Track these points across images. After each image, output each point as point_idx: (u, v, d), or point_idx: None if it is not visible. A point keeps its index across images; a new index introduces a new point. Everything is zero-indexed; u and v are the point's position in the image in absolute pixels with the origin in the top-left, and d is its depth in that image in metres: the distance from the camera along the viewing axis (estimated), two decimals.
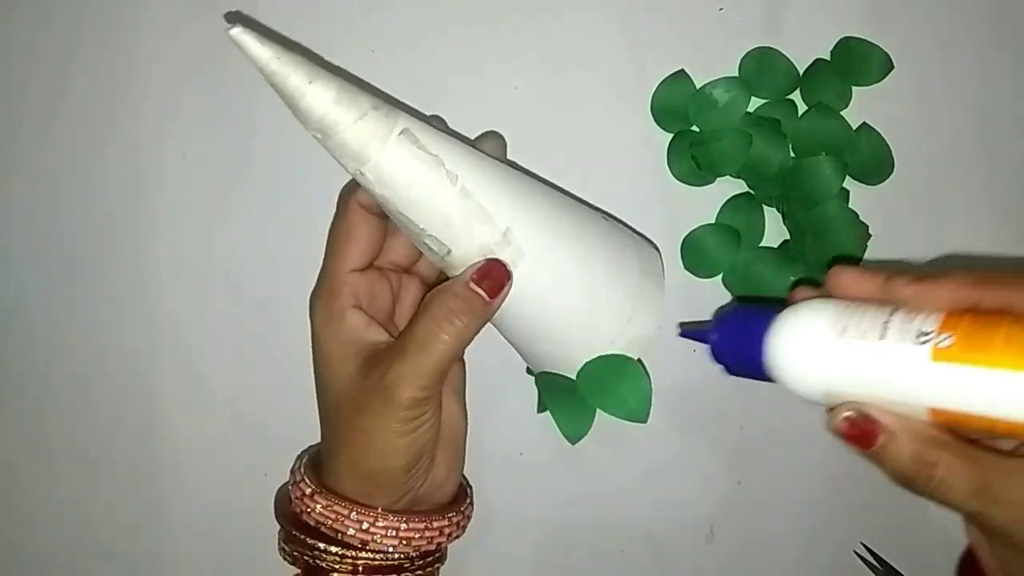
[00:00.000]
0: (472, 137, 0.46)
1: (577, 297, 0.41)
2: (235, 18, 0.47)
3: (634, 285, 0.42)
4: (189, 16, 0.49)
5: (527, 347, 0.44)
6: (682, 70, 0.48)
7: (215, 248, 0.49)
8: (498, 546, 0.49)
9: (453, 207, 0.37)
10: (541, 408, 0.47)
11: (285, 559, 0.42)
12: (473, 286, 0.37)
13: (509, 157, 0.45)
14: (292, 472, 0.42)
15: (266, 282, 0.49)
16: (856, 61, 0.48)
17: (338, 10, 0.49)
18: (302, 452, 0.44)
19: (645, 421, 0.43)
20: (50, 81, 0.49)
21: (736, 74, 0.48)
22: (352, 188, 0.41)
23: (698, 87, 0.48)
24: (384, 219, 0.41)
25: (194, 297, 0.50)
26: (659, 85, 0.48)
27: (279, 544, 0.42)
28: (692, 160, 0.48)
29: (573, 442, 0.45)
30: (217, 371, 0.50)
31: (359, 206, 0.40)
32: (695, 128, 0.48)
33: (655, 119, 0.49)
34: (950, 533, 0.51)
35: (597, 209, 0.46)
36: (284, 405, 0.49)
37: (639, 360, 0.44)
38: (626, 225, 0.47)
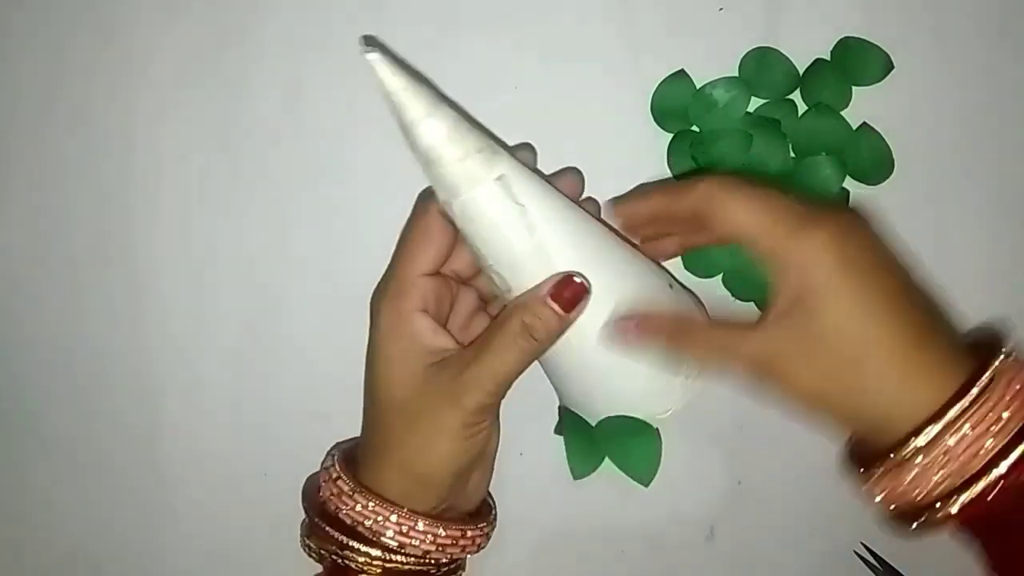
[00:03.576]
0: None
1: (617, 360, 0.41)
2: (371, 41, 0.47)
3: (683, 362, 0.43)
4: (189, 16, 0.49)
5: (557, 384, 0.45)
6: (682, 70, 0.48)
7: (215, 248, 0.49)
8: (498, 546, 0.49)
9: (525, 255, 0.39)
10: (559, 431, 0.47)
11: (310, 555, 0.42)
12: (550, 301, 0.38)
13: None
14: (325, 469, 0.42)
15: (267, 281, 0.49)
16: (856, 61, 0.48)
17: (338, 10, 0.49)
18: (332, 448, 0.44)
19: (647, 486, 0.46)
20: (49, 81, 0.49)
21: (736, 74, 0.48)
22: (432, 193, 0.41)
23: (698, 87, 0.48)
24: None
25: (194, 297, 0.49)
26: (659, 85, 0.48)
27: (302, 540, 0.42)
28: (692, 160, 0.48)
29: (576, 478, 0.47)
30: (218, 371, 0.50)
31: (439, 212, 0.40)
32: (695, 128, 0.48)
33: (655, 119, 0.49)
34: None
35: (663, 269, 0.46)
36: (286, 404, 0.50)
37: (656, 429, 0.46)
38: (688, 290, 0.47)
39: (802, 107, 0.49)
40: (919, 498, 0.36)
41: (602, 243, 0.41)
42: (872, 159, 0.48)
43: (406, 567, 0.40)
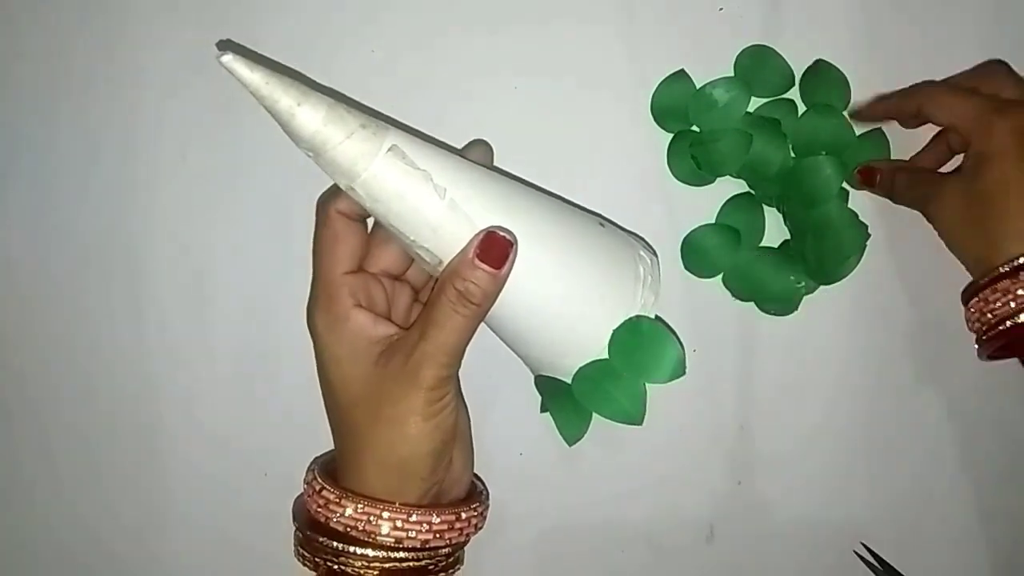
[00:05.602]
0: (470, 136, 0.46)
1: (566, 306, 0.41)
2: (226, 45, 0.47)
3: (628, 292, 0.42)
4: (191, 17, 0.49)
5: (521, 352, 0.44)
6: (682, 70, 0.48)
7: (215, 248, 0.49)
8: (498, 546, 0.49)
9: (441, 220, 0.38)
10: (544, 408, 0.47)
11: (304, 564, 0.41)
12: (478, 262, 0.38)
13: (509, 158, 0.45)
14: (308, 483, 0.42)
15: (266, 282, 0.49)
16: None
17: (339, 10, 0.49)
18: (311, 463, 0.44)
19: (640, 423, 0.43)
20: (49, 81, 0.49)
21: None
22: (329, 197, 0.41)
23: (698, 87, 0.48)
24: (365, 223, 0.42)
25: (194, 297, 0.49)
26: (659, 85, 0.48)
27: (296, 549, 0.42)
28: (692, 160, 0.48)
29: (571, 443, 0.45)
30: (217, 371, 0.50)
31: (339, 213, 0.40)
32: (695, 128, 0.48)
33: (655, 119, 0.49)
34: (950, 533, 0.51)
35: (595, 214, 0.46)
36: (284, 405, 0.50)
37: None
38: (625, 229, 0.47)
39: (802, 107, 0.49)
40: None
41: (518, 193, 0.41)
42: (872, 159, 0.48)
43: (404, 564, 0.40)
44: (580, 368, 0.43)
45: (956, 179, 0.45)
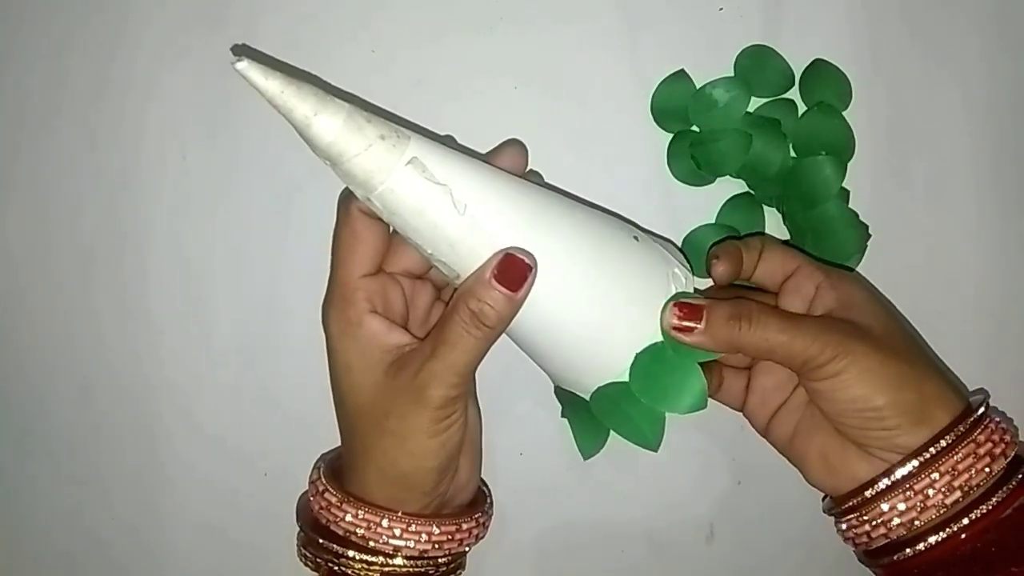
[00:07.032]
0: (469, 137, 0.46)
1: (588, 327, 0.40)
2: (241, 50, 0.47)
3: (656, 314, 0.41)
4: (191, 17, 0.49)
5: (542, 365, 0.43)
6: (682, 70, 0.48)
7: (215, 248, 0.49)
8: (498, 546, 0.49)
9: (460, 236, 0.37)
10: (564, 414, 0.47)
11: (306, 564, 0.41)
12: (495, 283, 0.37)
13: None
14: (312, 483, 0.42)
15: (267, 282, 0.49)
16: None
17: (339, 10, 0.49)
18: (317, 460, 0.44)
19: (656, 450, 0.42)
20: (51, 80, 0.49)
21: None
22: (350, 194, 0.40)
23: (698, 87, 0.48)
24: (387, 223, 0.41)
25: (194, 298, 0.50)
26: (659, 85, 0.48)
27: (299, 549, 0.42)
28: (692, 160, 0.48)
29: (586, 457, 0.45)
30: (217, 371, 0.50)
31: (361, 212, 0.40)
32: (695, 128, 0.48)
33: (655, 119, 0.49)
34: None
35: (633, 224, 0.45)
36: (285, 405, 0.50)
37: None
38: (661, 236, 0.46)
39: (802, 107, 0.49)
40: (915, 522, 0.39)
41: (547, 207, 0.39)
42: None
43: (403, 570, 0.40)
44: (599, 388, 0.42)
45: (840, 319, 0.40)
